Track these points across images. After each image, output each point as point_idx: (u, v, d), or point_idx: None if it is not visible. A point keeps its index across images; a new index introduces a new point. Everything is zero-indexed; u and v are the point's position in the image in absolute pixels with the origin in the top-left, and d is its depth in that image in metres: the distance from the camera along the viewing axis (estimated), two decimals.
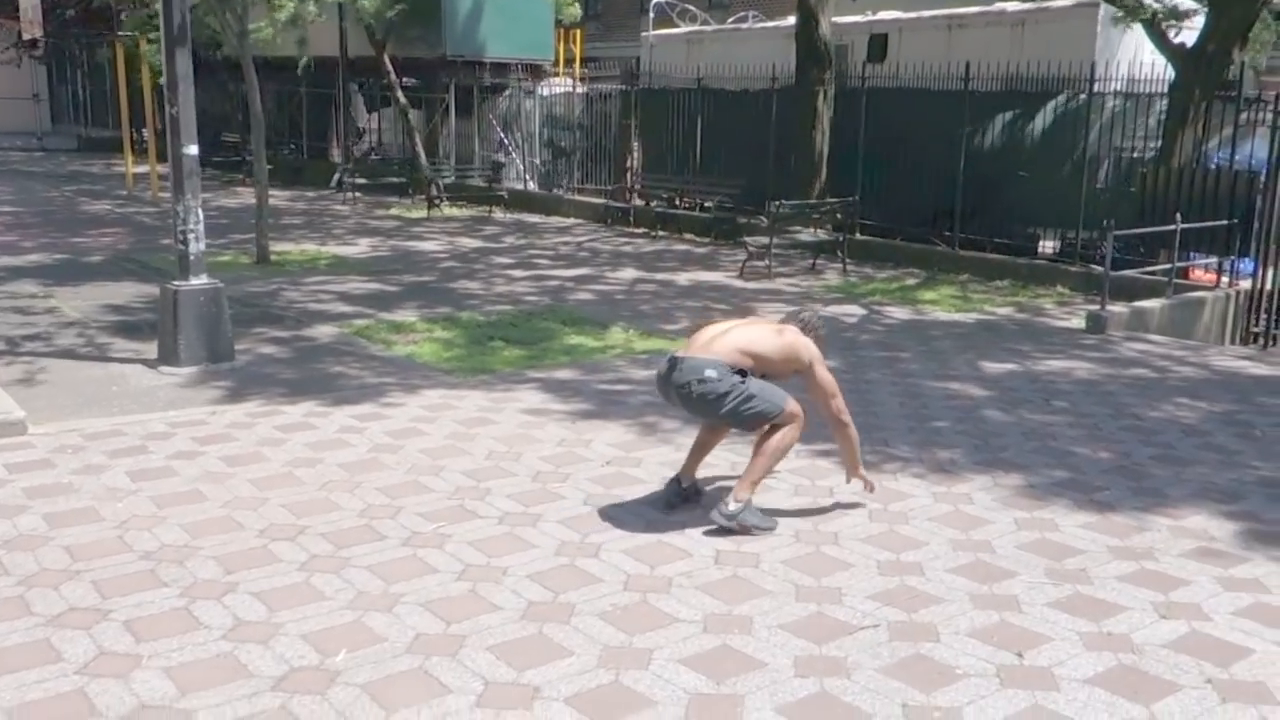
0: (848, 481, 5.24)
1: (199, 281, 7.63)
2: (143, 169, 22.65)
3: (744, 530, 4.81)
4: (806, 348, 5.00)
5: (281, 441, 6.07)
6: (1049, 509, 5.16)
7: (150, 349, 8.04)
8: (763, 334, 5.03)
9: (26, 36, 21.16)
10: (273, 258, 13.26)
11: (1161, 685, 3.54)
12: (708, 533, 4.81)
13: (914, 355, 8.63)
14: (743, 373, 4.83)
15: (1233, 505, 5.25)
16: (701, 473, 5.31)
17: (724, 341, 4.92)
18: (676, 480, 5.23)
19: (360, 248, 14.80)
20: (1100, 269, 9.91)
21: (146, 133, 31.02)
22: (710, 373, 4.77)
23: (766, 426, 4.90)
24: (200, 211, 7.64)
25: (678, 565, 4.49)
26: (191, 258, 7.60)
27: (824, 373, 5.01)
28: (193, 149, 7.49)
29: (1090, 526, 4.94)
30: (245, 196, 19.60)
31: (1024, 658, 3.71)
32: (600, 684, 3.53)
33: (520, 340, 9.01)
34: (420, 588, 4.25)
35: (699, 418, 5.18)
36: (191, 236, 7.57)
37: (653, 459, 5.87)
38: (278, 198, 21.57)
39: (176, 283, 7.61)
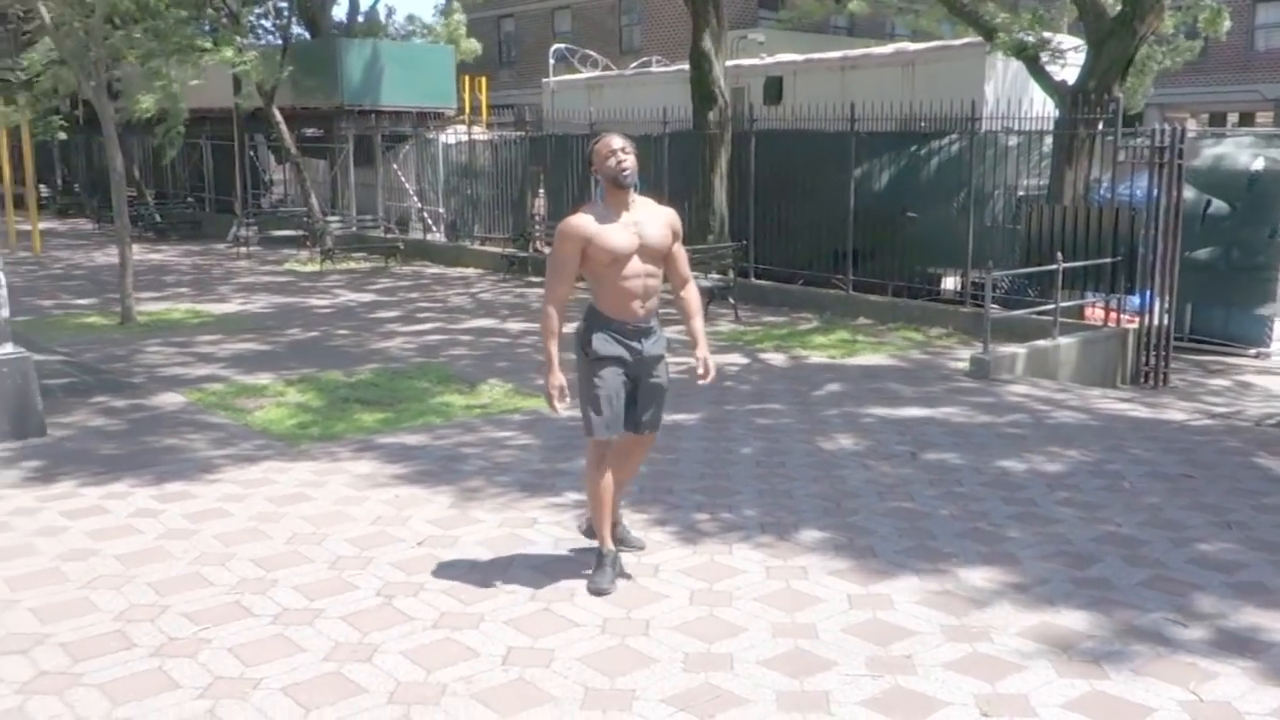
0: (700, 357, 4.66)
1: (1, 351, 7.01)
2: (27, 226, 21.72)
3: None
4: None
5: (61, 530, 5.47)
6: (887, 582, 4.74)
7: None
8: (665, 233, 4.51)
9: None
10: (141, 318, 12.61)
11: None
12: (507, 622, 4.33)
13: (786, 406, 8.23)
14: None
15: (1086, 571, 4.86)
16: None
17: (659, 281, 4.53)
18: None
19: (240, 305, 14.17)
20: (992, 310, 9.63)
21: (45, 190, 30.31)
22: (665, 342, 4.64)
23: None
24: (2, 275, 7.03)
25: (458, 669, 3.98)
26: None
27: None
28: None
29: (928, 602, 4.51)
30: (136, 252, 18.86)
31: None
32: None
33: (380, 402, 8.48)
34: (152, 710, 3.69)
35: (649, 413, 4.65)
36: None
37: (470, 537, 5.36)
38: (171, 253, 20.90)
39: None
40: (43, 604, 4.56)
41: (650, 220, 4.46)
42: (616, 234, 4.36)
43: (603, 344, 4.45)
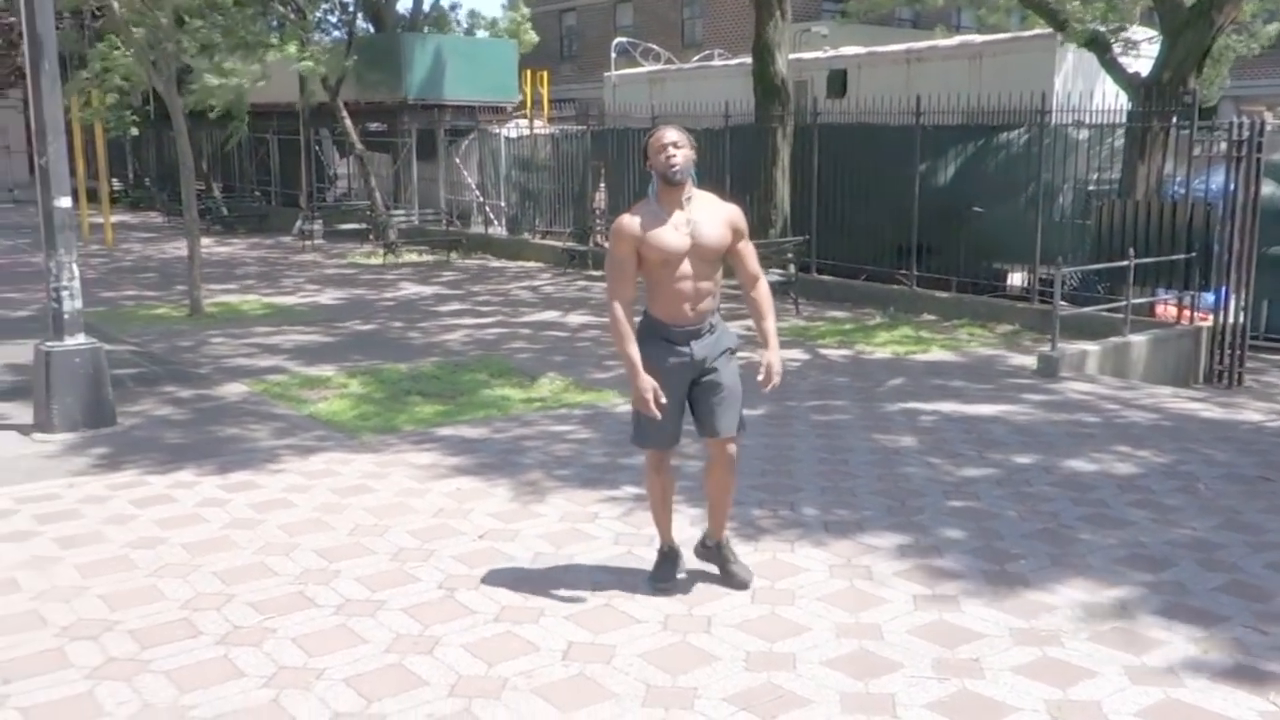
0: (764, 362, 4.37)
1: (74, 342, 7.15)
2: (99, 219, 22.20)
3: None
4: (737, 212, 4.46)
5: (130, 519, 5.55)
6: (954, 583, 4.64)
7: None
8: (722, 233, 4.32)
9: None
10: (209, 309, 12.82)
11: None
12: (567, 617, 4.31)
13: (849, 403, 8.14)
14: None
15: (1160, 574, 4.73)
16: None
17: (714, 283, 4.37)
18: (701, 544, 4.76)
19: (305, 297, 14.35)
20: (1060, 306, 9.43)
21: (118, 183, 30.98)
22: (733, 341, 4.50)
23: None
24: (75, 267, 7.18)
25: (519, 663, 3.97)
26: (66, 316, 7.12)
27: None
28: (65, 201, 7.04)
29: (995, 604, 4.42)
30: (205, 244, 19.18)
31: None
32: None
33: (439, 394, 8.52)
34: (217, 697, 3.73)
35: (710, 416, 4.39)
36: (65, 294, 7.10)
37: (531, 530, 5.35)
38: (238, 246, 21.24)
39: (50, 343, 7.13)
40: (112, 591, 4.63)
41: (707, 218, 4.27)
42: (667, 234, 4.21)
43: (649, 353, 4.28)
